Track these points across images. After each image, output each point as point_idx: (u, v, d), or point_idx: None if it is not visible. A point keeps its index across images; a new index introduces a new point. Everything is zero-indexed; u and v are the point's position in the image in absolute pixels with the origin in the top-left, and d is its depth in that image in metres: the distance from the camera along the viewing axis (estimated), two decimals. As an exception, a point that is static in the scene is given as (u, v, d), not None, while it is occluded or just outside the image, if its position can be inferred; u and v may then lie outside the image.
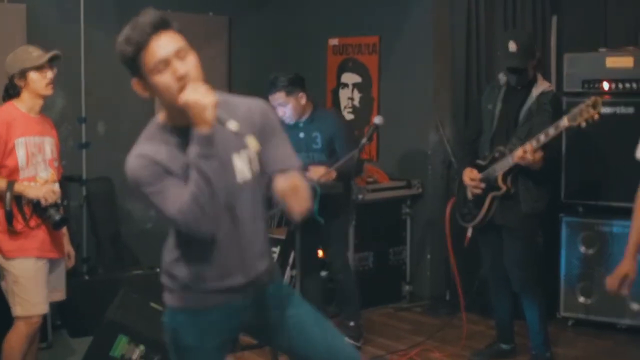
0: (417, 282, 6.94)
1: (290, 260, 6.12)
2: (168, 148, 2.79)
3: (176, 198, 2.73)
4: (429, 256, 6.87)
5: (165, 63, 2.71)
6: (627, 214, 5.78)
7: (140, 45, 2.70)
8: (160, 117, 2.87)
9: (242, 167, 2.90)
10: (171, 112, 2.81)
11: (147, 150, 2.78)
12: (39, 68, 4.39)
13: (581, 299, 6.01)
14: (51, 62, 4.45)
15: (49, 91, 4.44)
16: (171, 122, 2.83)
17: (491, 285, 5.41)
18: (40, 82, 4.40)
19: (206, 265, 2.92)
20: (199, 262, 2.92)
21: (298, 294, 3.22)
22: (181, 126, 2.79)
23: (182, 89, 2.72)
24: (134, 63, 2.73)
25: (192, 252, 2.92)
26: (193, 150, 2.72)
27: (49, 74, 4.42)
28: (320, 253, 5.82)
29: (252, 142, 2.68)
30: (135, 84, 2.80)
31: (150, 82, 2.74)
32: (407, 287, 6.91)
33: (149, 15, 2.74)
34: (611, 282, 3.79)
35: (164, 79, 2.72)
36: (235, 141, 2.84)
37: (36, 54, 4.42)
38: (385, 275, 6.79)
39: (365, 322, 6.04)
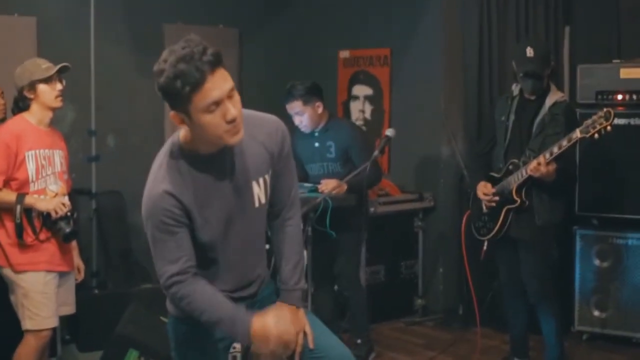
0: (430, 295, 6.88)
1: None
2: (193, 181, 2.80)
3: (173, 258, 2.81)
4: (441, 270, 6.80)
5: (218, 104, 2.66)
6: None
7: (196, 85, 2.61)
8: (182, 139, 2.83)
9: (260, 193, 2.96)
10: (203, 142, 2.78)
11: (174, 187, 2.77)
12: (48, 80, 4.37)
13: (596, 313, 5.94)
14: (60, 74, 4.43)
15: (58, 103, 4.42)
16: (195, 148, 2.81)
17: (506, 299, 5.35)
18: (49, 94, 4.38)
19: (211, 280, 2.95)
20: (205, 277, 2.93)
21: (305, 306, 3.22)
22: (206, 152, 2.80)
23: (230, 131, 2.69)
24: (181, 99, 2.64)
25: (198, 268, 2.92)
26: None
27: (58, 86, 4.40)
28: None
29: None
30: (175, 117, 2.72)
31: (195, 119, 2.67)
32: (419, 301, 6.84)
33: (204, 50, 2.62)
34: None
35: (213, 119, 2.67)
36: (257, 169, 2.92)
37: (45, 66, 4.40)
38: (397, 289, 6.73)
39: (377, 336, 5.99)
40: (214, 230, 2.88)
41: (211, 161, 2.82)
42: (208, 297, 2.86)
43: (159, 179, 2.79)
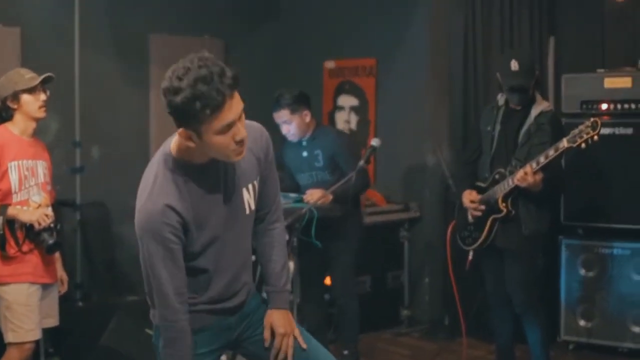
0: (416, 306, 6.87)
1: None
2: (189, 192, 2.79)
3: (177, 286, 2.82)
4: (427, 280, 6.80)
5: (230, 126, 2.66)
6: (627, 235, 5.79)
7: (216, 108, 2.60)
8: (175, 150, 2.81)
9: (249, 199, 2.97)
10: (199, 155, 2.77)
11: (174, 200, 2.76)
12: (31, 90, 4.34)
13: (582, 323, 5.94)
14: (44, 85, 4.40)
15: (41, 114, 4.39)
16: (189, 158, 2.80)
17: (492, 309, 5.34)
18: (33, 104, 4.35)
19: (200, 290, 2.97)
20: (193, 287, 2.94)
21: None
22: (199, 162, 2.80)
23: (236, 150, 2.71)
24: (197, 119, 2.62)
25: (189, 282, 2.91)
26: None
27: (42, 97, 4.37)
28: (326, 279, 5.77)
29: None
30: (184, 133, 2.68)
31: (206, 139, 2.67)
32: (405, 312, 6.84)
33: (223, 71, 2.61)
34: None
35: (224, 140, 2.68)
36: (247, 175, 2.93)
37: (29, 77, 4.37)
38: (383, 300, 6.72)
39: (363, 347, 5.97)
40: (206, 240, 2.88)
41: (204, 171, 2.82)
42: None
43: (156, 192, 2.76)
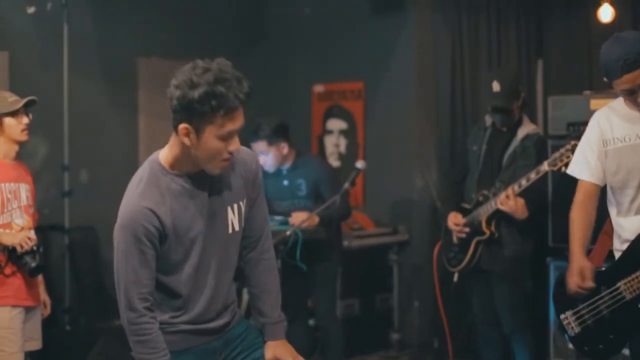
0: (405, 329, 6.84)
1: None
2: (171, 199, 2.83)
3: (132, 279, 2.81)
4: (416, 303, 6.77)
5: (231, 135, 2.75)
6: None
7: (229, 111, 2.69)
8: (163, 160, 2.86)
9: (234, 219, 2.98)
10: (187, 162, 2.82)
11: (154, 204, 2.80)
12: (14, 113, 4.35)
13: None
14: (27, 108, 4.41)
15: (24, 137, 4.40)
16: (176, 167, 2.85)
17: (480, 331, 5.34)
18: (15, 127, 4.35)
19: (181, 309, 2.97)
20: (173, 305, 2.96)
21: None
22: (187, 172, 2.85)
23: (224, 161, 2.80)
24: (206, 117, 2.69)
25: (169, 298, 2.95)
26: None
27: (25, 120, 4.38)
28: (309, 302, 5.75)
29: None
30: (185, 129, 2.73)
31: (204, 140, 2.73)
32: (394, 335, 6.81)
33: (240, 79, 2.70)
34: (573, 280, 3.68)
35: (220, 146, 2.75)
36: (233, 195, 2.96)
37: (12, 100, 4.38)
38: (373, 323, 6.69)
39: (353, 370, 5.95)
40: (183, 252, 2.89)
41: (190, 182, 2.85)
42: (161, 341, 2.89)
43: (138, 193, 2.81)
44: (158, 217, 2.79)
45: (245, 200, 3.03)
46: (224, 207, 2.95)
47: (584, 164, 3.76)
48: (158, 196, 2.81)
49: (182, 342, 2.98)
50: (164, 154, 2.87)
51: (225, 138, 2.74)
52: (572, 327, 3.90)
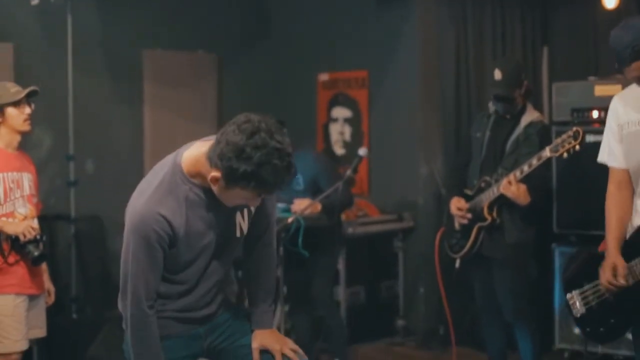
0: (411, 316, 6.85)
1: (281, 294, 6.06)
2: (187, 208, 2.85)
3: (141, 280, 2.85)
4: (422, 290, 6.78)
5: (255, 199, 2.82)
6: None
7: (263, 192, 2.78)
8: (186, 166, 2.87)
9: (242, 223, 3.02)
10: (207, 179, 2.81)
11: (169, 211, 2.82)
12: (16, 104, 4.37)
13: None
14: (29, 98, 4.44)
15: (26, 127, 4.42)
16: (196, 177, 2.86)
17: (483, 318, 5.34)
18: (17, 117, 4.38)
19: (171, 299, 3.02)
20: (166, 295, 2.99)
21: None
22: (204, 184, 2.85)
23: (241, 205, 2.90)
24: (239, 183, 2.70)
25: (165, 289, 2.98)
26: None
27: (27, 110, 4.41)
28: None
29: None
30: (216, 179, 2.74)
31: (230, 192, 2.77)
32: (400, 322, 6.82)
33: (290, 167, 2.73)
34: (605, 276, 3.67)
35: (242, 201, 2.83)
36: None
37: (14, 90, 4.41)
38: (378, 310, 6.71)
39: (358, 357, 5.97)
40: (191, 258, 2.94)
41: (206, 192, 2.87)
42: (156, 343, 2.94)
43: (156, 198, 2.83)
44: (171, 226, 2.82)
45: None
46: (234, 213, 2.99)
47: (609, 150, 3.73)
48: (175, 205, 2.84)
49: (166, 328, 3.01)
50: (189, 160, 2.86)
51: (250, 200, 2.81)
52: (577, 308, 3.91)
